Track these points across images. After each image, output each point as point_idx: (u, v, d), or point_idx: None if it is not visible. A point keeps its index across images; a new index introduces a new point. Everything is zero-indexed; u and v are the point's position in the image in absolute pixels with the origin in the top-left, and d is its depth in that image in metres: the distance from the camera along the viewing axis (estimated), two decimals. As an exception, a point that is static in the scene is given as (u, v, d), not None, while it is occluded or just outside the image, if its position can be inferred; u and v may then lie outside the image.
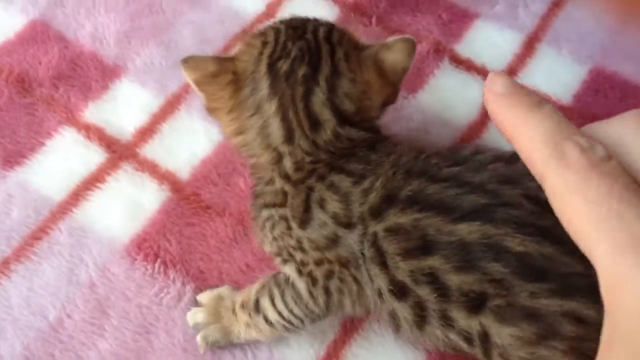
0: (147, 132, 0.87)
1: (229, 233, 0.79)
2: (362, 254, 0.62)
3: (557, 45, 0.97)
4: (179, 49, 0.94)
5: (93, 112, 0.88)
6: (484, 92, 0.47)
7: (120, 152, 0.85)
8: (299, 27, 0.68)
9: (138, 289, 0.75)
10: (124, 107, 0.89)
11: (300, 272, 0.65)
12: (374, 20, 0.99)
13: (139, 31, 0.96)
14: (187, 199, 0.81)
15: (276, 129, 0.65)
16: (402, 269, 0.59)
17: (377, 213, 0.61)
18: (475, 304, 0.56)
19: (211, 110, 0.69)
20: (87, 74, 0.92)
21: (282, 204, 0.65)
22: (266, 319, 0.69)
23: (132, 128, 0.87)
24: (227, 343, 0.71)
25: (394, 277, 0.60)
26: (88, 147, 0.86)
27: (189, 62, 0.68)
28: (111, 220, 0.80)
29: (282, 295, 0.67)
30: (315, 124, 0.64)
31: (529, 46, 0.97)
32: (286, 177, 0.65)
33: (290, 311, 0.67)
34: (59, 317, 0.73)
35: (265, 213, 0.67)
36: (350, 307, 0.65)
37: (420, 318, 0.60)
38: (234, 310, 0.71)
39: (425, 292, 0.58)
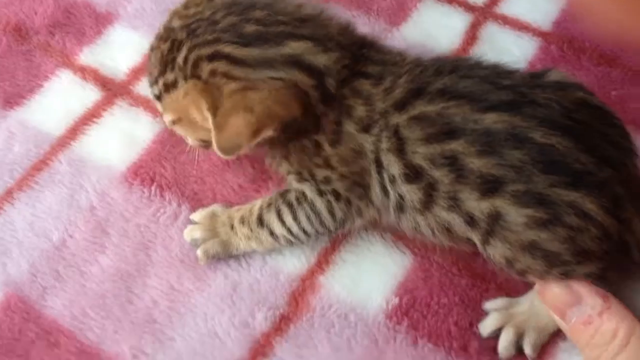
0: (140, 71, 0.90)
1: (221, 157, 0.82)
2: (377, 152, 0.66)
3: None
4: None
5: (88, 56, 0.92)
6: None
7: (115, 90, 0.89)
8: None
9: (136, 210, 0.78)
10: (117, 49, 0.93)
11: (320, 192, 0.70)
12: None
13: (129, -22, 1.00)
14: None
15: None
16: (421, 154, 0.63)
17: (401, 105, 0.65)
18: (492, 186, 0.61)
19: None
20: (81, 21, 0.96)
21: (315, 130, 0.68)
22: (272, 233, 0.73)
23: (125, 68, 0.91)
24: (226, 255, 0.74)
25: (411, 161, 0.64)
26: (84, 86, 0.89)
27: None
28: (108, 151, 0.83)
29: (294, 213, 0.71)
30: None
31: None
32: (328, 98, 0.67)
33: (302, 228, 0.72)
34: (61, 238, 0.77)
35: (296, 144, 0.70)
36: (367, 212, 0.70)
37: (429, 198, 0.64)
38: (232, 226, 0.75)
39: (441, 174, 0.63)
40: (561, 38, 0.93)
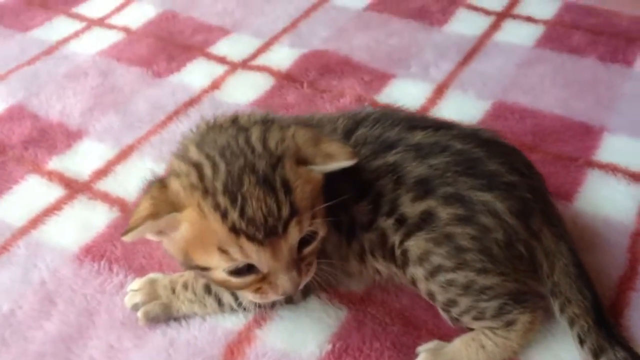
0: (102, 172, 0.99)
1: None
2: None
3: (463, 89, 1.12)
4: (135, 113, 1.09)
5: (56, 163, 1.01)
6: None
7: (77, 188, 0.96)
8: None
9: (83, 282, 0.82)
10: (83, 157, 1.02)
11: None
12: (305, 85, 1.14)
13: (101, 105, 1.12)
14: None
15: None
16: (369, 170, 0.72)
17: (348, 135, 0.74)
18: (426, 189, 0.70)
19: None
20: (53, 137, 1.06)
21: None
22: (219, 302, 0.77)
23: (89, 171, 0.99)
24: (166, 317, 0.77)
25: (362, 178, 0.72)
26: (49, 186, 0.97)
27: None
28: (65, 236, 0.89)
29: None
30: None
31: (439, 92, 1.12)
32: None
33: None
34: (10, 309, 0.80)
35: None
36: None
37: (375, 208, 0.71)
38: (173, 290, 0.78)
39: (384, 182, 0.71)
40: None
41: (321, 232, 0.67)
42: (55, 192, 0.96)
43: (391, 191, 0.71)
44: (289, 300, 0.77)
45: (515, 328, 0.71)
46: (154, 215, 0.63)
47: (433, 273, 0.69)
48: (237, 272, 0.65)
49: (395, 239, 0.71)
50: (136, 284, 0.80)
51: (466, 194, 0.68)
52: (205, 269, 0.66)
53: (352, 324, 0.76)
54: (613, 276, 0.80)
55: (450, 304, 0.70)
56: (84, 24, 1.35)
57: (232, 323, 0.77)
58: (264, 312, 0.78)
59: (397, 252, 0.71)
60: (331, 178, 0.68)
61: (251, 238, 0.61)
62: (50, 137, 1.06)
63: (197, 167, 0.64)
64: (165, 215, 0.63)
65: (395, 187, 0.71)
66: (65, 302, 0.80)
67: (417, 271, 0.70)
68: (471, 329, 0.73)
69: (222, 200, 0.62)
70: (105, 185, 0.96)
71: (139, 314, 0.77)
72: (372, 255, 0.74)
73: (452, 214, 0.68)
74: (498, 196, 0.68)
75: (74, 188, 0.96)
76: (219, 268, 0.64)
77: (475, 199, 0.68)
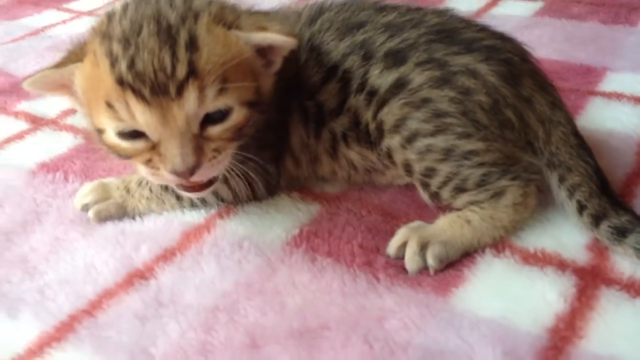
0: (70, 111, 0.94)
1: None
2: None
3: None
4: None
5: (24, 105, 0.97)
6: None
7: (43, 123, 0.91)
8: None
9: (35, 190, 0.76)
10: (52, 102, 0.97)
11: None
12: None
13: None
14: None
15: None
16: (336, 51, 0.66)
17: (312, 21, 0.69)
18: (397, 60, 0.64)
19: None
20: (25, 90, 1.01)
21: None
22: (178, 197, 0.70)
23: (57, 111, 0.94)
24: (121, 216, 0.70)
25: (328, 62, 0.66)
26: (15, 123, 0.92)
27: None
28: (24, 159, 0.83)
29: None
30: None
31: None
32: None
33: (220, 197, 0.69)
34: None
35: None
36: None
37: (344, 91, 0.66)
38: (127, 189, 0.71)
39: (351, 61, 0.65)
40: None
41: (238, 115, 0.58)
42: (20, 126, 0.91)
43: (359, 67, 0.65)
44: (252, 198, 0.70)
45: (503, 201, 0.63)
46: (57, 64, 0.59)
47: (410, 139, 0.62)
48: (126, 135, 0.57)
49: (368, 114, 0.65)
50: (86, 186, 0.72)
51: (442, 58, 0.63)
52: (100, 131, 0.59)
53: (324, 215, 0.68)
54: (620, 174, 0.72)
55: (428, 173, 0.62)
56: (72, 15, 1.34)
57: (192, 217, 0.69)
58: (228, 207, 0.70)
59: (372, 127, 0.65)
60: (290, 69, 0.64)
61: (137, 93, 0.54)
62: (22, 90, 1.01)
63: (110, 15, 0.59)
64: (69, 65, 0.58)
65: (363, 63, 0.65)
66: (13, 205, 0.73)
67: (393, 141, 0.63)
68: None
69: (116, 47, 0.55)
70: (72, 120, 0.91)
71: (90, 213, 0.70)
72: (344, 143, 0.68)
73: (428, 77, 0.62)
74: (478, 57, 0.62)
75: (39, 123, 0.91)
76: (109, 128, 0.57)
77: (453, 62, 0.62)
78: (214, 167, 0.58)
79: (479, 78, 0.62)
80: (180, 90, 0.54)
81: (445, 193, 0.63)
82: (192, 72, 0.54)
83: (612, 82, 0.92)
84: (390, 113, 0.63)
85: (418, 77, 0.62)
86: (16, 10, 1.40)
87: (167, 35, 0.55)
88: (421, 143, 0.62)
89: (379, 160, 0.67)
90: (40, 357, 0.54)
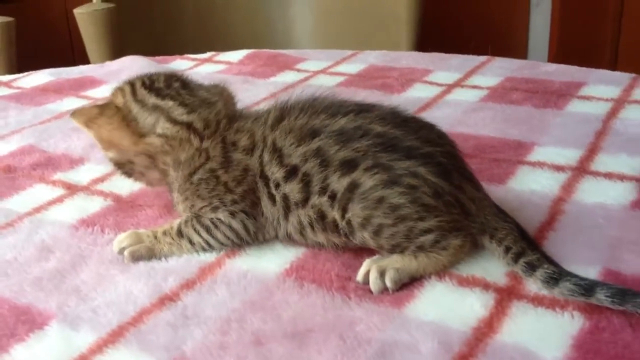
0: (100, 179, 1.14)
1: (156, 213, 1.02)
2: (262, 166, 0.87)
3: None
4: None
5: (60, 176, 1.17)
6: None
7: (77, 189, 1.12)
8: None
9: (79, 239, 0.95)
10: (84, 173, 1.18)
11: (233, 214, 0.89)
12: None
13: (102, 141, 1.29)
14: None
15: (176, 109, 0.93)
16: (295, 155, 0.84)
17: (274, 126, 0.88)
18: (350, 166, 0.82)
19: (110, 146, 0.93)
20: (59, 162, 1.22)
21: (207, 160, 0.91)
22: (190, 242, 0.90)
23: (88, 179, 1.15)
24: (150, 258, 0.90)
25: (289, 163, 0.85)
26: (53, 189, 1.12)
27: (76, 112, 0.92)
28: (64, 216, 1.03)
29: (211, 233, 0.89)
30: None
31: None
32: (201, 136, 0.92)
33: (219, 242, 0.89)
34: (13, 256, 0.92)
35: (196, 177, 0.91)
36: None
37: (306, 189, 0.84)
38: (155, 236, 0.92)
39: (311, 166, 0.83)
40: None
41: None
42: (58, 192, 1.11)
43: (318, 172, 0.82)
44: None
45: (447, 250, 0.82)
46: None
47: (377, 232, 0.81)
48: None
49: (335, 214, 0.82)
50: (122, 235, 0.92)
51: (387, 163, 0.80)
52: None
53: (308, 255, 0.88)
54: (536, 223, 0.92)
55: (395, 248, 0.82)
56: (90, 101, 1.56)
57: (206, 257, 0.89)
58: (234, 249, 0.90)
59: (342, 224, 0.82)
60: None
61: None
62: (56, 162, 1.23)
63: None
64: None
65: (321, 169, 0.82)
66: (62, 251, 0.92)
67: (364, 234, 0.82)
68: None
69: None
70: (102, 187, 1.12)
71: (126, 252, 0.89)
72: (311, 229, 0.85)
73: (378, 180, 0.80)
74: (416, 163, 0.81)
75: (74, 189, 1.11)
76: None
77: (397, 166, 0.80)
78: None
79: (420, 177, 0.80)
80: None
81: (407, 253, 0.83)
82: None
83: (538, 154, 1.14)
84: (355, 215, 0.81)
85: (369, 181, 0.80)
86: (40, 97, 1.62)
87: None
88: (388, 231, 0.80)
89: (348, 240, 0.85)
90: (100, 354, 0.72)
